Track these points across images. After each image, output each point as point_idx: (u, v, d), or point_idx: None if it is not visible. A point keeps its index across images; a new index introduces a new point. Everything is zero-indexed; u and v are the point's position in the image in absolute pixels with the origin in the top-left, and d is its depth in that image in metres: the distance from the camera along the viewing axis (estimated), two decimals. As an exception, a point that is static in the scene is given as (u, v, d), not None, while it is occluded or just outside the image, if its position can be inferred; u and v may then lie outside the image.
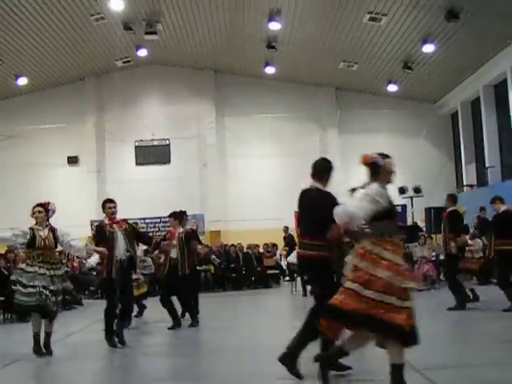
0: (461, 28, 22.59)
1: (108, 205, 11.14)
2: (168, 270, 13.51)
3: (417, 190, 27.56)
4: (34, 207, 10.54)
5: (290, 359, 7.55)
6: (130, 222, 12.05)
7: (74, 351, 10.94)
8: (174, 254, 13.40)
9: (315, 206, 8.02)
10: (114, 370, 9.61)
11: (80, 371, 9.18)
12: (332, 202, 7.65)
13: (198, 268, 15.43)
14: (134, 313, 13.65)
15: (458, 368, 8.04)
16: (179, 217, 14.24)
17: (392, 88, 29.33)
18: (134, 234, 11.47)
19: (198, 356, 10.29)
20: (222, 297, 15.17)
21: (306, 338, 7.65)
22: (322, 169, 8.60)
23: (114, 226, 10.95)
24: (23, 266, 10.19)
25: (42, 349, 10.17)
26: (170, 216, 14.52)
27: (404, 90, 29.49)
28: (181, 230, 13.90)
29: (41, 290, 9.90)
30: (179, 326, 13.15)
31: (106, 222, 11.04)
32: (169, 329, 12.97)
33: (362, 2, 22.22)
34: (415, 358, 7.33)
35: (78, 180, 30.23)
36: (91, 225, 27.35)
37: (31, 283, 9.94)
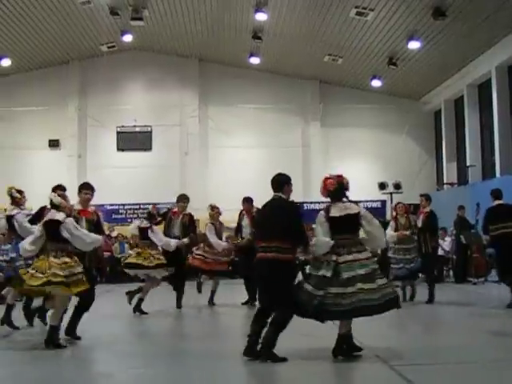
0: (447, 26, 22.64)
1: (84, 191, 10.47)
2: None
3: (397, 186, 27.61)
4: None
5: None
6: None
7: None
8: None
9: (283, 213, 8.55)
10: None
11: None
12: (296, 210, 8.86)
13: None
14: None
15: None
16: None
17: (376, 83, 29.35)
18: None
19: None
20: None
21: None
22: (280, 182, 8.95)
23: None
24: None
25: None
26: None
27: (388, 85, 29.52)
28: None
29: None
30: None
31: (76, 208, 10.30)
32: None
33: (350, -4, 22.27)
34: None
35: (58, 164, 29.98)
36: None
37: None
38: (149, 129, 30.93)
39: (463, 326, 11.71)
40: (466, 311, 13.64)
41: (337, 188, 8.56)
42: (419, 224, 15.12)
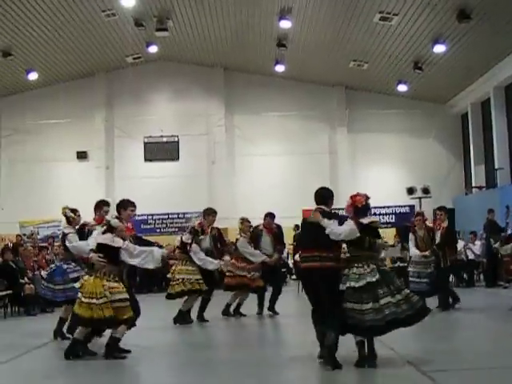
0: (472, 29, 22.53)
1: (130, 208, 10.60)
2: None
3: (425, 191, 27.51)
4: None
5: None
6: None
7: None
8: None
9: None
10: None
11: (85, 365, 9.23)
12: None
13: None
14: None
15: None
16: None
17: (402, 88, 29.26)
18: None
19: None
20: (224, 294, 15.28)
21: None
22: (325, 196, 9.29)
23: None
24: None
25: None
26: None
27: (414, 90, 29.42)
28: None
29: None
30: None
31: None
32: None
33: (373, 1, 22.15)
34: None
35: (86, 175, 30.16)
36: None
37: None
38: (175, 139, 31.05)
39: (495, 330, 11.65)
40: (498, 315, 13.56)
41: (364, 205, 8.90)
42: (437, 239, 14.89)
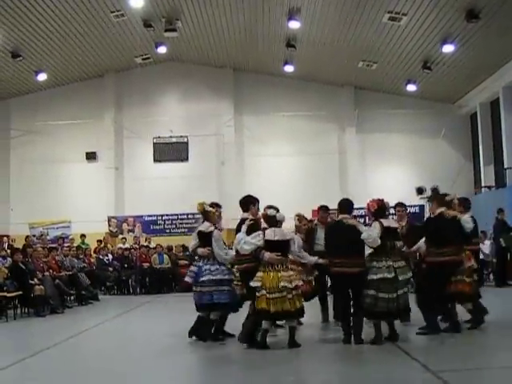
0: (481, 28, 22.48)
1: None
2: None
3: (435, 191, 27.41)
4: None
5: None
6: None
7: (91, 347, 10.99)
8: None
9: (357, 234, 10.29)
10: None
11: (100, 368, 9.24)
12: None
13: None
14: None
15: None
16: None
17: (411, 88, 29.23)
18: None
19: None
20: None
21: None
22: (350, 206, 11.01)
23: None
24: None
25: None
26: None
27: (423, 89, 29.39)
28: None
29: None
30: None
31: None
32: None
33: (382, 1, 22.14)
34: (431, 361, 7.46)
35: (96, 176, 30.19)
36: (108, 221, 27.48)
37: None
38: (185, 139, 31.05)
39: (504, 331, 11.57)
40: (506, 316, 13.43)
41: (377, 209, 10.55)
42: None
